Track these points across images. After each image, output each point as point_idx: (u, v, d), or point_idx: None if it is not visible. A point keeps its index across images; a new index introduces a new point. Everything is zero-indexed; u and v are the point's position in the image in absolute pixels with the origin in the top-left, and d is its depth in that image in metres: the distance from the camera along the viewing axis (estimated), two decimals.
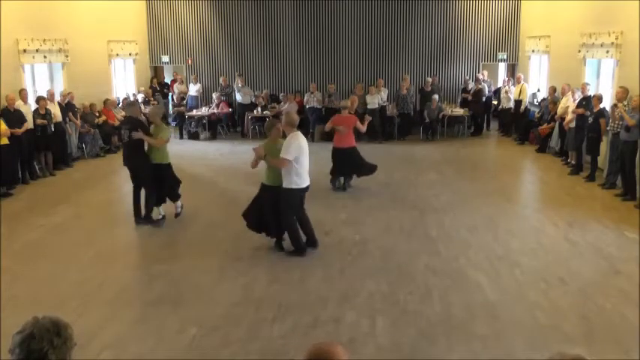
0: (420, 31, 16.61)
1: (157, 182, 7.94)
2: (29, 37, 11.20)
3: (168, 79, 18.33)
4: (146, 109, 9.46)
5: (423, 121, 15.03)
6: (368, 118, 10.26)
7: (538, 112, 13.76)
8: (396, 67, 16.78)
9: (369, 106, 14.66)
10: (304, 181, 6.63)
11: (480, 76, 15.73)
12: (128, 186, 11.00)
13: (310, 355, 1.83)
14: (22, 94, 10.66)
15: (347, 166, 9.86)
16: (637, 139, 8.97)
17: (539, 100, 14.38)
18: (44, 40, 11.69)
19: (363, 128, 10.00)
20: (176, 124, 15.41)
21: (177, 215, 8.25)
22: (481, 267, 6.47)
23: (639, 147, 8.99)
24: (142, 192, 8.08)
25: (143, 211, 8.05)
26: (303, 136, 6.70)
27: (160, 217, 8.16)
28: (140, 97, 15.78)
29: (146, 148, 7.98)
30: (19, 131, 9.98)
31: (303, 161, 6.51)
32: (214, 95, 15.87)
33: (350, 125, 9.75)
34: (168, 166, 8.08)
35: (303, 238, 6.93)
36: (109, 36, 14.74)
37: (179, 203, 8.29)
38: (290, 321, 5.23)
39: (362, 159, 9.89)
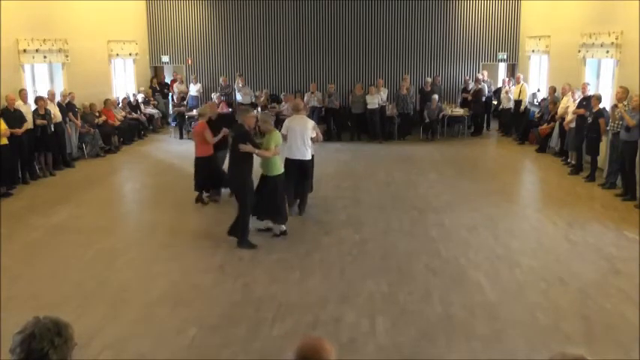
0: (420, 31, 16.61)
1: (262, 196, 7.16)
2: (29, 37, 11.20)
3: (168, 79, 18.34)
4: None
5: (423, 121, 15.03)
6: (225, 132, 8.91)
7: (538, 112, 13.77)
8: (396, 67, 16.78)
9: (369, 106, 14.68)
10: (290, 154, 8.03)
11: (480, 76, 15.73)
12: (128, 186, 11.10)
13: (300, 353, 1.83)
14: (22, 94, 10.65)
15: (201, 177, 8.96)
16: (637, 139, 8.97)
17: (539, 100, 14.39)
18: (44, 40, 11.68)
19: (211, 140, 8.74)
20: (176, 124, 15.41)
21: (275, 235, 7.44)
22: (481, 267, 6.47)
23: (639, 147, 8.99)
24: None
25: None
26: (296, 118, 8.10)
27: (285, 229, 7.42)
28: (140, 97, 15.82)
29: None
30: (19, 131, 9.98)
31: (289, 138, 8.00)
32: (214, 95, 15.86)
33: (197, 134, 8.93)
34: (278, 177, 7.24)
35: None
36: (109, 36, 14.74)
37: (283, 227, 7.45)
38: (290, 321, 5.23)
39: (216, 170, 9.02)
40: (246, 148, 6.80)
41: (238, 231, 7.10)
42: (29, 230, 7.88)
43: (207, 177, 8.95)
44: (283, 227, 7.49)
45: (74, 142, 12.51)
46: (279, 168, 7.34)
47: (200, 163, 8.91)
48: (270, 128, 7.22)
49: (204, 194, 9.14)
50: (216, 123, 9.08)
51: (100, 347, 4.77)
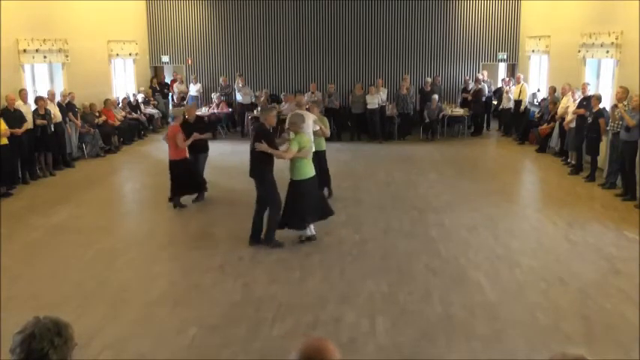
0: (420, 31, 16.61)
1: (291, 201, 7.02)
2: (29, 37, 11.20)
3: (168, 79, 18.34)
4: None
5: (423, 121, 15.04)
6: (195, 136, 8.82)
7: (538, 112, 13.77)
8: (396, 67, 16.78)
9: (369, 106, 14.69)
10: None
11: (480, 76, 15.73)
12: (128, 186, 11.11)
13: (303, 354, 1.83)
14: (22, 94, 10.66)
15: (176, 181, 8.80)
16: (637, 139, 8.97)
17: (539, 100, 14.39)
18: (44, 40, 11.68)
19: (182, 144, 8.61)
20: None
21: (301, 240, 7.29)
22: (481, 267, 6.47)
23: (639, 147, 8.99)
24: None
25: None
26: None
27: (310, 234, 7.28)
28: (140, 97, 15.82)
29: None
30: (19, 131, 9.98)
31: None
32: (214, 95, 15.90)
33: (169, 137, 8.73)
34: (304, 182, 6.97)
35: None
36: (109, 36, 14.74)
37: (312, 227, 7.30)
38: (290, 321, 5.23)
39: (193, 172, 8.98)
40: (262, 147, 6.71)
41: (269, 231, 7.08)
42: (29, 230, 7.88)
43: (182, 180, 8.77)
44: (308, 233, 7.26)
45: (74, 142, 12.51)
46: (305, 172, 6.97)
47: (173, 166, 8.75)
48: (297, 130, 7.01)
49: (179, 197, 8.89)
50: (192, 126, 8.97)
51: (100, 347, 4.77)
